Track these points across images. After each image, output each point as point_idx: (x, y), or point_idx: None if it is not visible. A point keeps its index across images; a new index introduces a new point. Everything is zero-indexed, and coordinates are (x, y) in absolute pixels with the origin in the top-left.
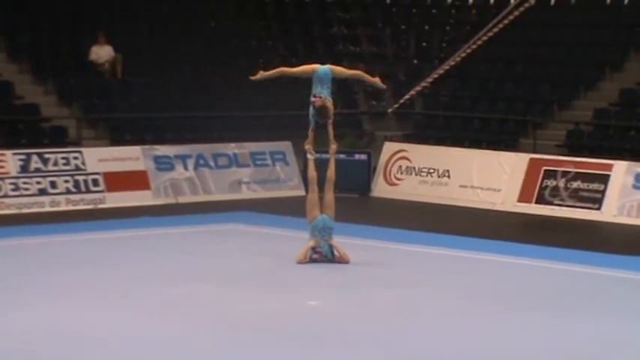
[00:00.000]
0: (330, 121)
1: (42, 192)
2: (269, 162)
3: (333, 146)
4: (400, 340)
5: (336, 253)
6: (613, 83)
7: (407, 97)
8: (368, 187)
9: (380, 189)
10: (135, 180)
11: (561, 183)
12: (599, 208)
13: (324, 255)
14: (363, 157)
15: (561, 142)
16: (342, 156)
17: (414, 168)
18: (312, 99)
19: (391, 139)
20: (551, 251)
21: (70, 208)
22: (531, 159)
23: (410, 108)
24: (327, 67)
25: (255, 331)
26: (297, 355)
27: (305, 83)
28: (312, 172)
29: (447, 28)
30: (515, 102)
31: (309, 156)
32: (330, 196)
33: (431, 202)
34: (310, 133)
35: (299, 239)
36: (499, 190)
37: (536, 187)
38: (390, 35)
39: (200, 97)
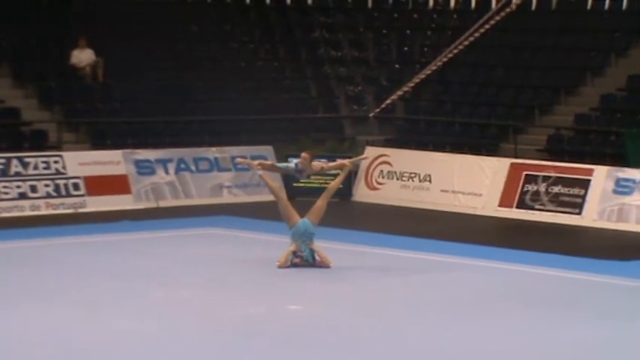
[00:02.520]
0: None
1: (22, 196)
2: None
3: (349, 165)
4: (381, 342)
5: (317, 257)
6: (594, 88)
7: (388, 101)
8: (349, 191)
9: (361, 193)
10: (116, 184)
11: (542, 188)
12: (579, 213)
13: (305, 259)
14: None
15: (542, 146)
16: (323, 160)
17: (396, 172)
18: (299, 161)
19: (372, 144)
20: (532, 256)
21: (51, 212)
22: (512, 164)
23: (391, 113)
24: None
25: (237, 335)
26: (278, 358)
27: (287, 88)
28: (272, 183)
29: (429, 32)
30: (496, 107)
31: (259, 172)
32: (321, 202)
33: (412, 207)
34: (270, 163)
35: (280, 243)
36: (480, 195)
37: (517, 192)
38: (372, 40)
39: (181, 102)
